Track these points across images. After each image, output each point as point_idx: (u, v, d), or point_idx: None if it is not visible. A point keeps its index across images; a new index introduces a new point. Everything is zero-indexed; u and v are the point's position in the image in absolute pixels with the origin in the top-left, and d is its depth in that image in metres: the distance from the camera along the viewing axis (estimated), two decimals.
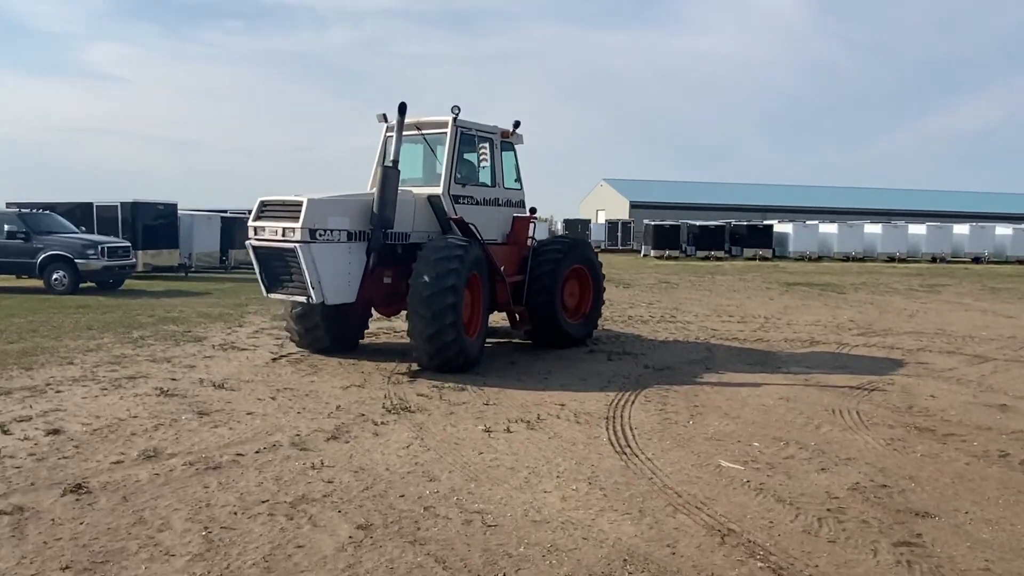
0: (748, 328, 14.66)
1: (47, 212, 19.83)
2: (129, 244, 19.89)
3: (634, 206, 69.41)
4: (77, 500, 5.27)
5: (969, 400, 8.83)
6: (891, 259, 43.43)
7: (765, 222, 47.08)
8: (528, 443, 6.85)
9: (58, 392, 8.42)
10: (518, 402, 8.37)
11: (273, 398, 8.40)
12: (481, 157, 11.02)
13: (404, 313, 9.81)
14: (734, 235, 45.75)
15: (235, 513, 5.10)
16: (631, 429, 7.36)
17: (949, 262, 44.26)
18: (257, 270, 9.76)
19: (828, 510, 5.27)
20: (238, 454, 6.40)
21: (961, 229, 45.93)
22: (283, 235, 9.18)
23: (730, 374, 10.06)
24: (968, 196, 78.32)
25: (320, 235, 9.09)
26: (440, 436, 7.05)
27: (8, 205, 23.03)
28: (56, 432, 6.85)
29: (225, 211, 30.03)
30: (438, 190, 10.41)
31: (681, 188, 75.83)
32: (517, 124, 11.65)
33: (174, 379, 9.29)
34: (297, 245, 8.98)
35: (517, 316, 11.15)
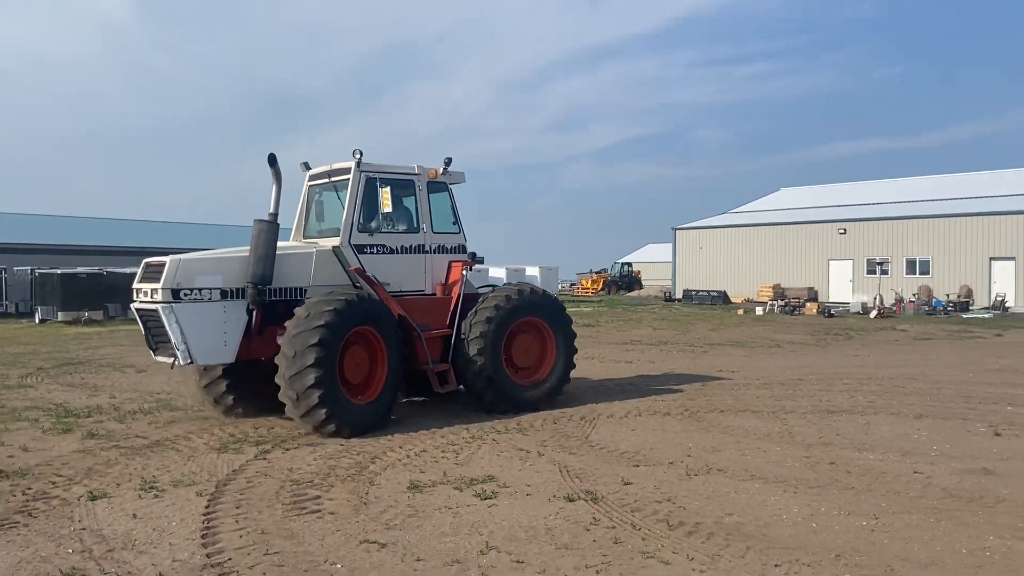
0: None
1: None
2: None
3: None
4: None
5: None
6: None
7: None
8: (652, 433, 8.92)
9: None
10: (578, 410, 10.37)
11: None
12: (384, 202, 9.71)
13: None
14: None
15: None
16: (683, 414, 10.12)
17: None
18: (144, 333, 9.36)
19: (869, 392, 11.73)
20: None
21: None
22: (151, 296, 8.87)
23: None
24: None
25: (185, 295, 8.72)
26: (592, 457, 7.89)
27: None
28: None
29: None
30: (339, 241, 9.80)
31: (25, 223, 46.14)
32: (449, 161, 10.58)
33: None
34: (159, 306, 8.64)
35: (442, 374, 10.11)
